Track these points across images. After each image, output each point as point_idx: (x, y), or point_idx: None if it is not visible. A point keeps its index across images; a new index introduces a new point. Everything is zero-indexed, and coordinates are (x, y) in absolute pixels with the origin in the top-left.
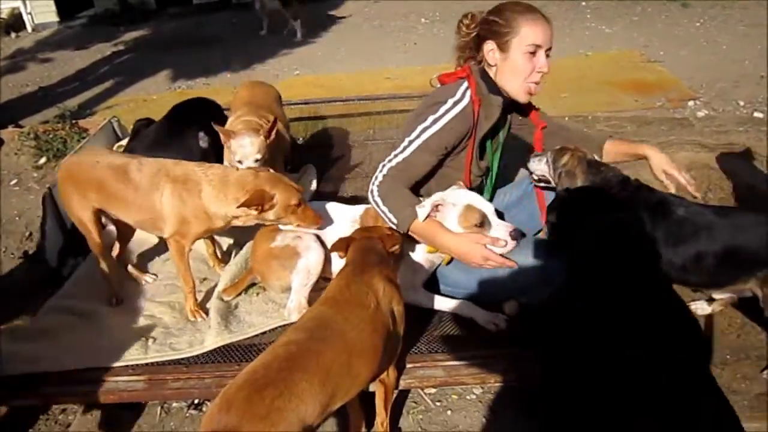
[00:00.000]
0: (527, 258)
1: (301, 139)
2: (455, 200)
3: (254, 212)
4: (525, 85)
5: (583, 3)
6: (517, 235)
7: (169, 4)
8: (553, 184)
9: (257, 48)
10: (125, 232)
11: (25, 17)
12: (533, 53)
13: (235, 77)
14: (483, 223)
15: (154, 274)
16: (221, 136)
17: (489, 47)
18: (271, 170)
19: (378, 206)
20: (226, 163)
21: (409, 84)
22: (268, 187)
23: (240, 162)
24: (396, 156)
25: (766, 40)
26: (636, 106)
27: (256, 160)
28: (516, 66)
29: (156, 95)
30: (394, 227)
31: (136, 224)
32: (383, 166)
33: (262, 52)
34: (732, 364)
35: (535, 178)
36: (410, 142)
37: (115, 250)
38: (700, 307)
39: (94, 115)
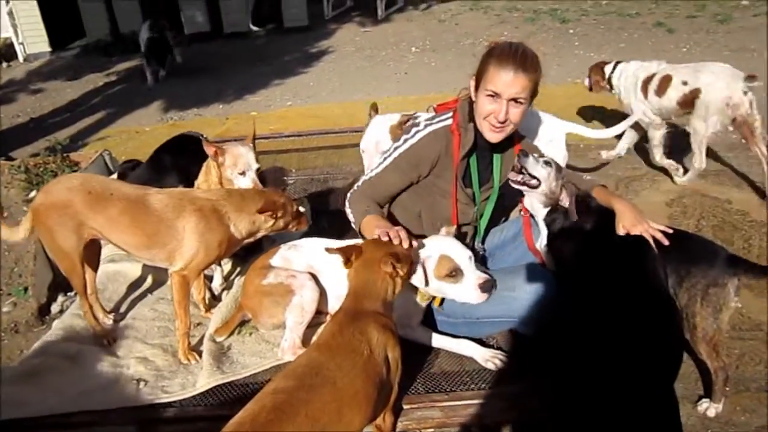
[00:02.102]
0: (524, 287)
1: (293, 171)
2: (432, 250)
3: (269, 222)
4: (485, 123)
5: (571, 30)
6: (488, 287)
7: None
8: (541, 188)
9: (249, 78)
10: (92, 267)
11: (17, 47)
12: (493, 97)
13: (227, 108)
14: (455, 272)
15: (121, 314)
16: (210, 153)
17: (472, 82)
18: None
19: (347, 212)
20: (215, 180)
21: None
22: (277, 198)
23: (243, 174)
24: (372, 171)
25: (751, 64)
26: None
27: (258, 169)
28: (479, 105)
29: (148, 126)
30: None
31: (149, 257)
32: (360, 179)
33: (254, 83)
34: (731, 396)
35: (522, 179)
36: (384, 160)
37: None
38: None
39: (86, 146)
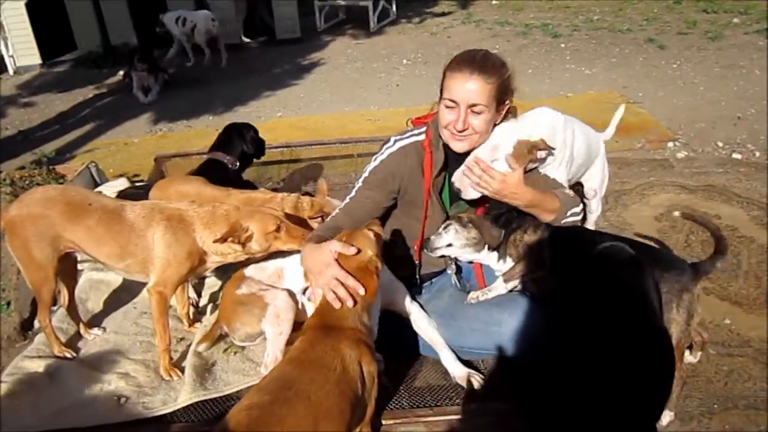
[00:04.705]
0: (510, 322)
1: (282, 183)
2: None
3: (238, 246)
4: (445, 131)
5: (563, 45)
6: None
7: (153, 45)
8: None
9: (240, 89)
10: (70, 282)
11: (7, 60)
12: (451, 107)
13: (217, 119)
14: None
15: (103, 327)
16: None
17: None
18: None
19: None
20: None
21: (391, 126)
22: (243, 221)
23: None
24: (345, 198)
25: (741, 81)
26: (616, 147)
27: None
28: (439, 115)
29: (137, 138)
30: None
31: (123, 268)
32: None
33: (245, 94)
34: (719, 414)
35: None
36: (357, 183)
37: (65, 301)
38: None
39: (74, 158)
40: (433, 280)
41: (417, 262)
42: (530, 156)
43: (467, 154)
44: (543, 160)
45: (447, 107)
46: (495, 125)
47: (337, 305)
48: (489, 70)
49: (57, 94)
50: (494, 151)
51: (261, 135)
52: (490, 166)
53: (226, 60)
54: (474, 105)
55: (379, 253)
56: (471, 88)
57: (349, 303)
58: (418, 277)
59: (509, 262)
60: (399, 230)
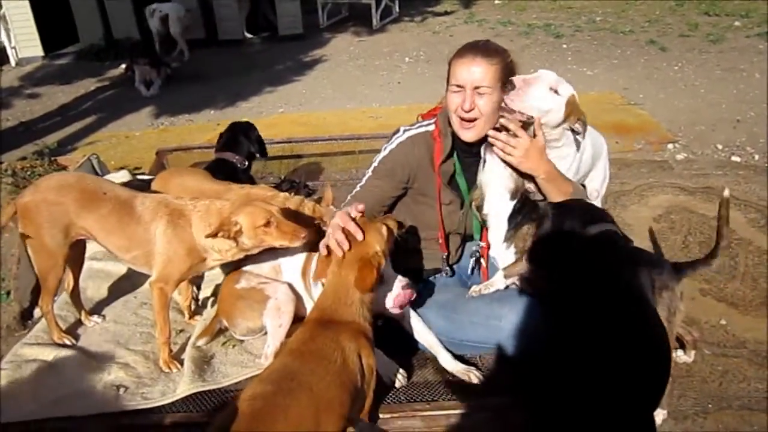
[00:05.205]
0: (511, 317)
1: (282, 177)
2: None
3: (231, 241)
4: (455, 118)
5: (564, 45)
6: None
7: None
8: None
9: (242, 85)
10: (76, 267)
11: (9, 51)
12: (458, 91)
13: (218, 114)
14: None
15: (103, 316)
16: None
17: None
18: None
19: None
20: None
21: (393, 123)
22: (233, 215)
23: None
24: (355, 187)
25: (742, 84)
26: (616, 149)
27: None
28: (447, 102)
29: (138, 131)
30: None
31: (130, 259)
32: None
33: (246, 89)
34: (713, 413)
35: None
36: (366, 173)
37: (69, 286)
38: (678, 356)
39: (75, 150)
40: (436, 276)
41: (445, 254)
42: (571, 120)
43: (476, 144)
44: (578, 134)
45: (454, 92)
46: None
47: (338, 251)
48: (492, 54)
49: (59, 86)
50: (559, 83)
51: (262, 131)
52: (518, 126)
53: (188, 51)
54: (479, 87)
55: (388, 250)
56: (475, 70)
57: (345, 246)
58: (448, 267)
59: (512, 251)
60: (414, 226)
